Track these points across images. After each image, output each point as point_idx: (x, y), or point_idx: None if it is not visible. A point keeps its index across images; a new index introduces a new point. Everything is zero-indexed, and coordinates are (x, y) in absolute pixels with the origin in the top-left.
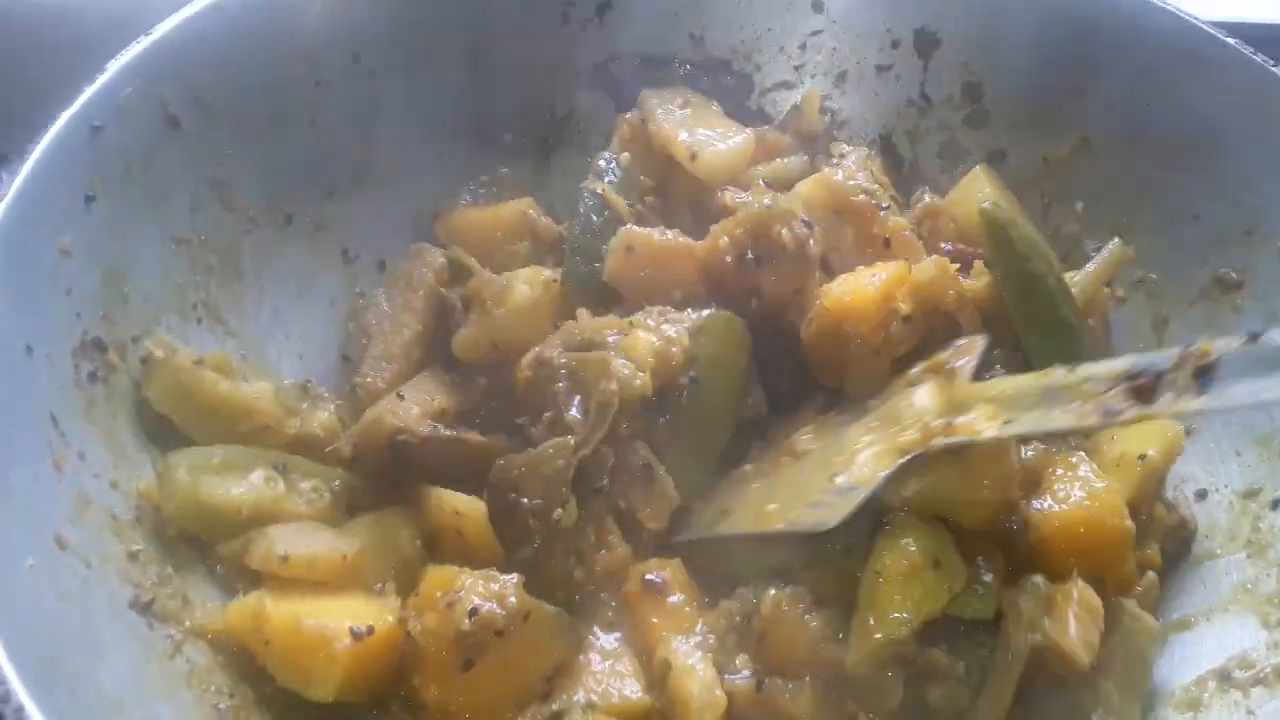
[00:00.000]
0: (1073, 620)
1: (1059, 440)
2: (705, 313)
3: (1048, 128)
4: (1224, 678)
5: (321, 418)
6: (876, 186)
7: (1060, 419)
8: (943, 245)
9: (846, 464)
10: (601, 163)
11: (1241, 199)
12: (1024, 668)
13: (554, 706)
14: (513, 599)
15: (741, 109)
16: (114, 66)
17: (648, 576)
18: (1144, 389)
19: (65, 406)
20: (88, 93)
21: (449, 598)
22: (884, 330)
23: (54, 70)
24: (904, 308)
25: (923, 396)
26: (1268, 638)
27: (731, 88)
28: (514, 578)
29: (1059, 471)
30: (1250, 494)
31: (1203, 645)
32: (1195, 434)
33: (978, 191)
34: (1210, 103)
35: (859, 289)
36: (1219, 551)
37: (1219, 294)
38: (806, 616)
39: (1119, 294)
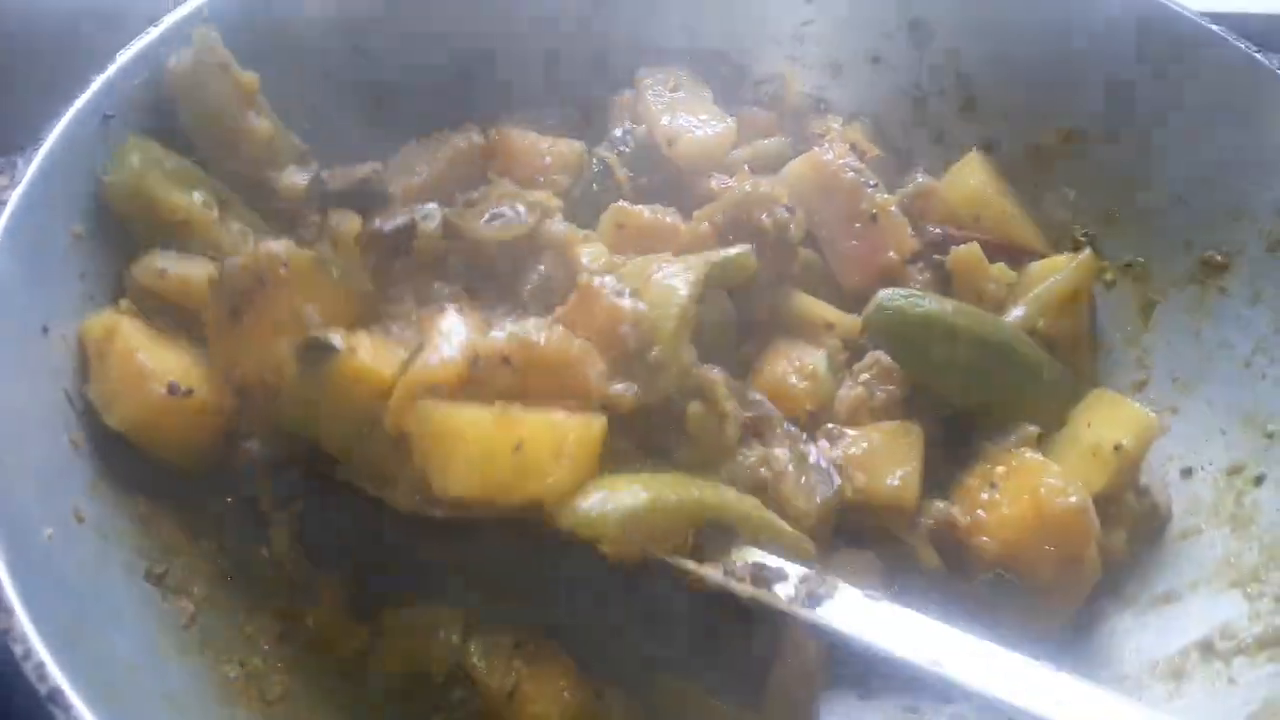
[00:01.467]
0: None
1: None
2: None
3: (1038, 117)
4: (1206, 648)
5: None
6: (863, 165)
7: None
8: (931, 227)
9: None
10: (618, 133)
11: (1226, 183)
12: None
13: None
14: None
15: (736, 99)
16: (123, 57)
17: None
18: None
19: (80, 386)
20: (97, 83)
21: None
22: None
23: (66, 68)
24: None
25: None
26: (1249, 609)
27: (726, 77)
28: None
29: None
30: (1234, 470)
31: (1186, 618)
32: (1181, 413)
33: (970, 177)
34: (1195, 89)
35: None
36: (1203, 527)
37: (1205, 276)
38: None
39: (1108, 278)
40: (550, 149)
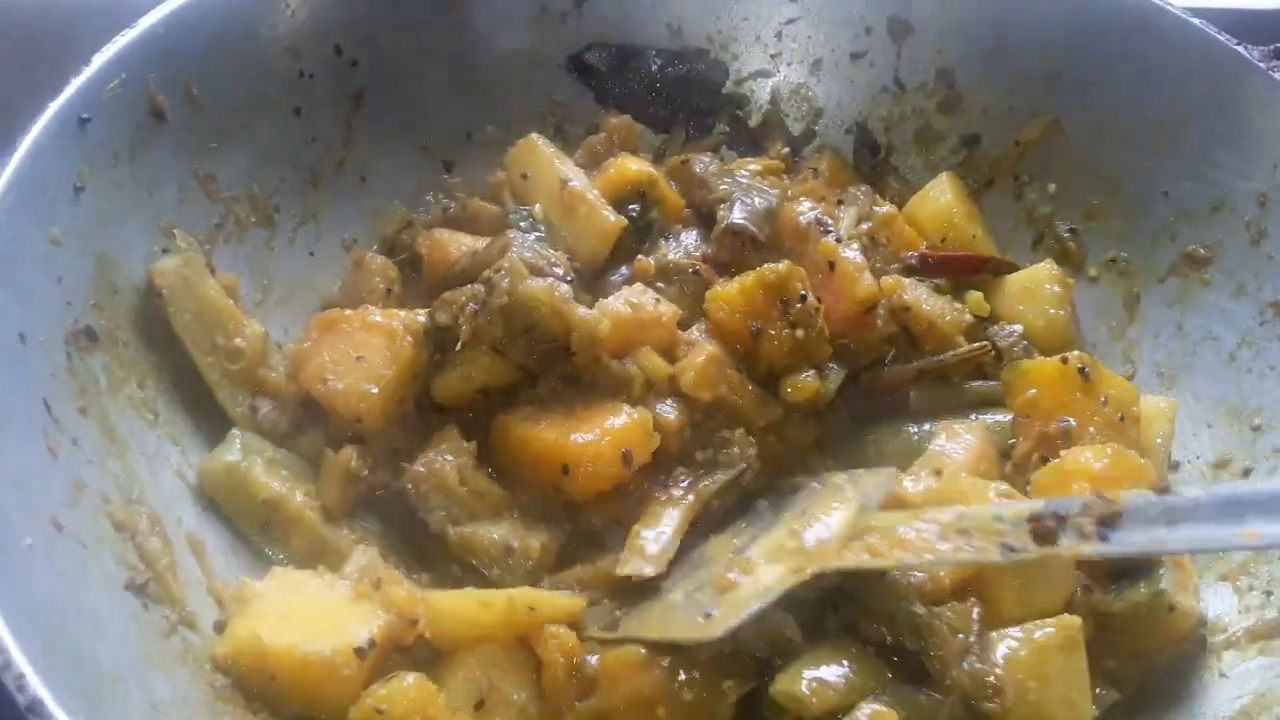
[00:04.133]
0: None
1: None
2: None
3: (1019, 111)
4: (1197, 642)
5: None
6: (821, 205)
7: (964, 554)
8: (906, 255)
9: (744, 572)
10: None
11: (1208, 176)
12: None
13: None
14: None
15: (716, 94)
16: (100, 59)
17: None
18: (1046, 532)
19: (58, 394)
20: (74, 84)
21: None
22: None
23: (41, 65)
24: None
25: (835, 520)
26: (1239, 603)
27: (704, 74)
28: None
29: None
30: (1221, 464)
31: None
32: None
33: (939, 197)
34: (1177, 82)
35: None
36: None
37: (1189, 270)
38: None
39: (1091, 274)
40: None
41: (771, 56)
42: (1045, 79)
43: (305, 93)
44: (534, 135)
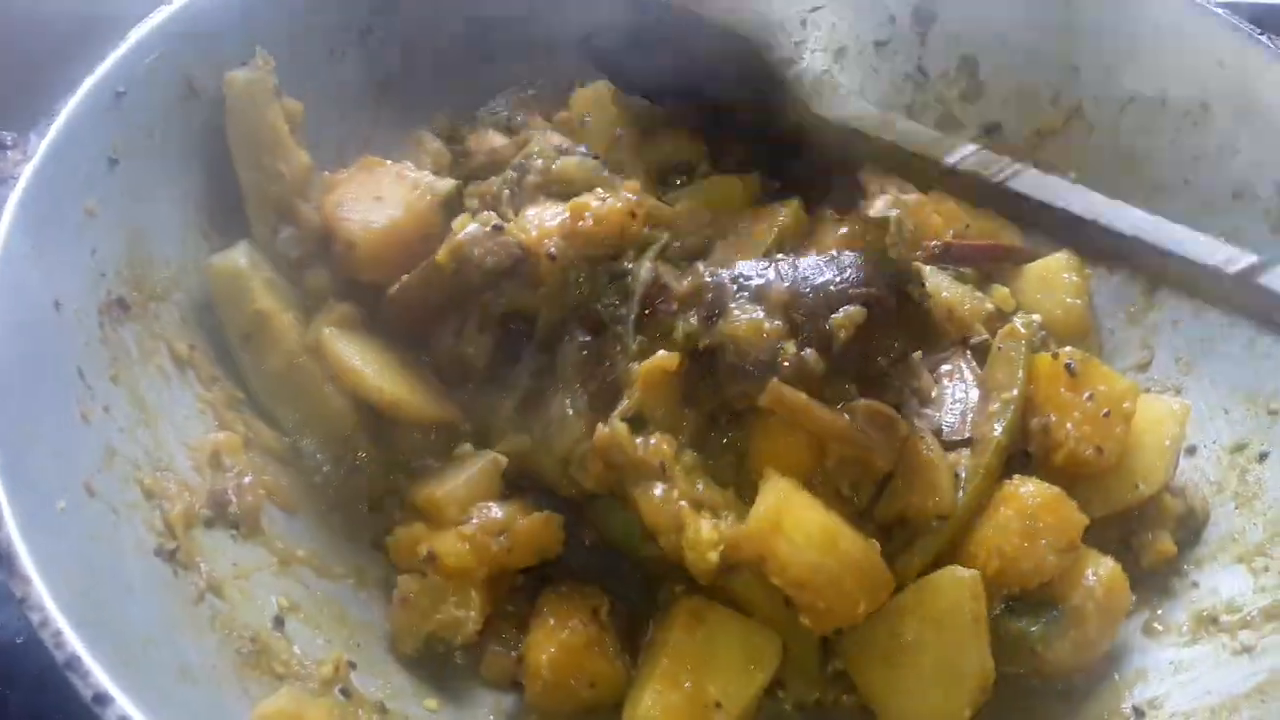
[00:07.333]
0: None
1: None
2: None
3: (1041, 100)
4: (1212, 622)
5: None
6: None
7: None
8: (930, 243)
9: None
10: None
11: (1228, 165)
12: None
13: None
14: None
15: None
16: (136, 34)
17: None
18: None
19: (91, 362)
20: (111, 59)
21: None
22: None
23: (80, 43)
24: None
25: None
26: (1254, 583)
27: None
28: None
29: None
30: (1238, 448)
31: (1192, 593)
32: (1184, 393)
33: None
34: (1198, 71)
35: None
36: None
37: None
38: None
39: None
40: None
41: (795, 44)
42: (1066, 68)
43: (336, 73)
44: (603, 83)
